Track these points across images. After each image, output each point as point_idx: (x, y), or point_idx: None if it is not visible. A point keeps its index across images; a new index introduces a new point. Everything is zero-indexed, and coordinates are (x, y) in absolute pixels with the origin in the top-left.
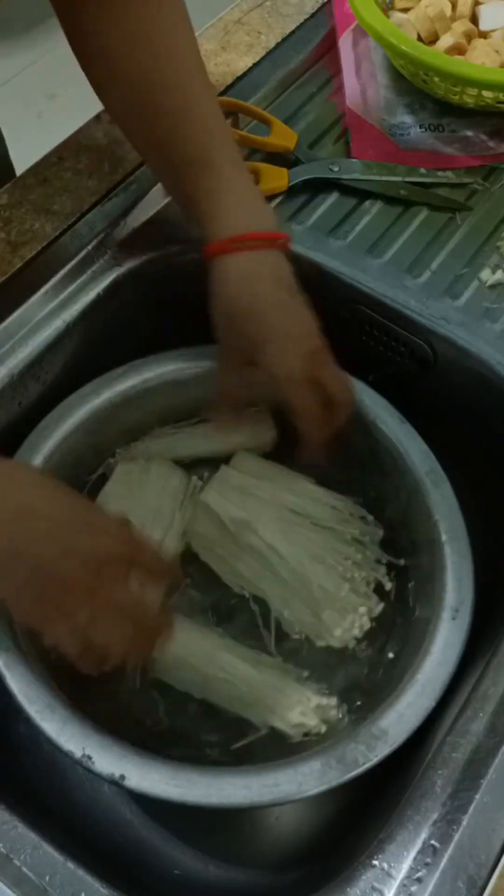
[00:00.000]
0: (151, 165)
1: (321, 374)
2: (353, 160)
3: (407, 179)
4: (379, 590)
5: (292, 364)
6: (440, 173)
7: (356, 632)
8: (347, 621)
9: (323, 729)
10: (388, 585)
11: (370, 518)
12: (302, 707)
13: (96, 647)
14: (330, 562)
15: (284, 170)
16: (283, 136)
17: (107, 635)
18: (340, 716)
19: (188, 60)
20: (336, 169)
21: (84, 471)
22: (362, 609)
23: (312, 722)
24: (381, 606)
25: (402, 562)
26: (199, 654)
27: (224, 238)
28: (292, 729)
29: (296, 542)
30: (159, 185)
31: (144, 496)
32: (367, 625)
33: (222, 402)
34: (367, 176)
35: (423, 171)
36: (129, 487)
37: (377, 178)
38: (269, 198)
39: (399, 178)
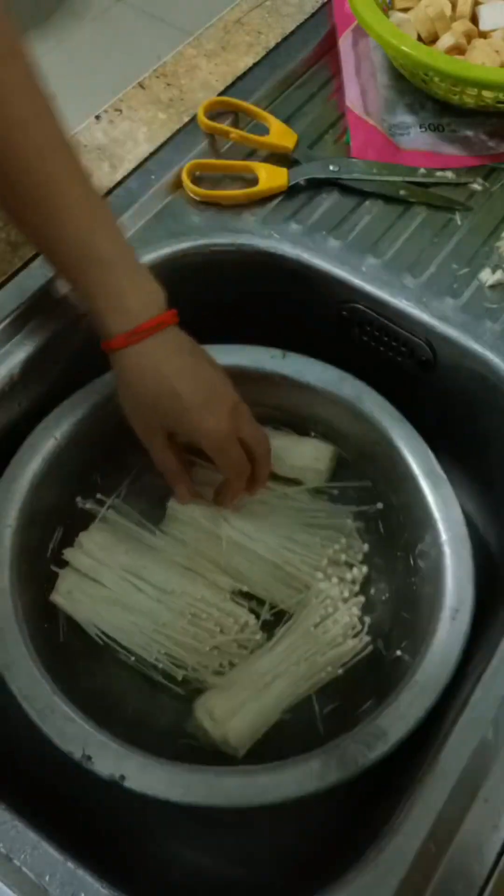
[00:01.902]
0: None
1: (242, 431)
2: (353, 160)
3: (407, 179)
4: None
5: (214, 427)
6: (440, 173)
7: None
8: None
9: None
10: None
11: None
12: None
13: None
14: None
15: (284, 170)
16: (283, 136)
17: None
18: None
19: (44, 129)
20: (336, 169)
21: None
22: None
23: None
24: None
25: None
26: None
27: (123, 333)
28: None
29: (266, 527)
30: (159, 185)
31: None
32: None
33: (176, 481)
34: (367, 176)
35: (423, 171)
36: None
37: (377, 178)
38: (269, 198)
39: (399, 178)
